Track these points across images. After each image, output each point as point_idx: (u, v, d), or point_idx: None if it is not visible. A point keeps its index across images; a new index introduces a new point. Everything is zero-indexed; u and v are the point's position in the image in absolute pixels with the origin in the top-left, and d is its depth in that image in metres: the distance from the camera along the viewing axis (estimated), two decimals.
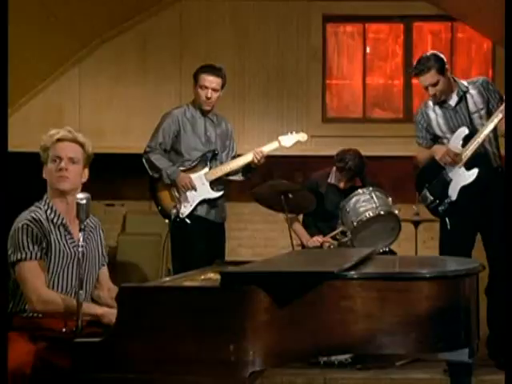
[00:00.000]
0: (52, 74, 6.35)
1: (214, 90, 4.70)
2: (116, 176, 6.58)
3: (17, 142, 6.02)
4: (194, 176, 4.71)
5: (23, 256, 2.77)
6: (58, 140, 2.88)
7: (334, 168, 5.03)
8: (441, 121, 4.48)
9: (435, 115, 4.49)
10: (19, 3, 4.98)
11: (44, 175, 2.93)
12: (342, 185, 5.00)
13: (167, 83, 6.44)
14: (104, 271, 3.10)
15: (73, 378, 2.35)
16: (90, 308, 2.79)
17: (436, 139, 4.54)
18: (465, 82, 4.49)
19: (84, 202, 2.58)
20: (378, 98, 6.76)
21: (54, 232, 2.85)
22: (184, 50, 6.49)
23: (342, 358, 4.49)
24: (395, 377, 4.38)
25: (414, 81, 6.61)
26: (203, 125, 4.81)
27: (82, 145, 2.92)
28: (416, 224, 5.13)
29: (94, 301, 3.01)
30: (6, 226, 2.67)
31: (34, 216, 2.83)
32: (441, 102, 4.46)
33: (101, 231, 3.11)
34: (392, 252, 4.93)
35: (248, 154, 4.77)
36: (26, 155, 5.39)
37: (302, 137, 4.95)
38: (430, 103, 4.52)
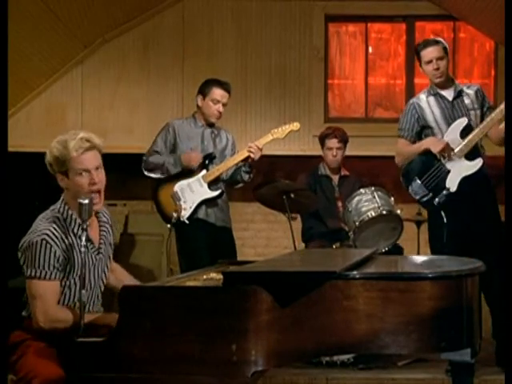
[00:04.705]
0: (55, 74, 6.36)
1: (224, 104, 4.77)
2: (118, 176, 6.57)
3: (20, 142, 6.03)
4: (192, 179, 4.71)
5: (37, 274, 2.65)
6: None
7: (321, 164, 5.31)
8: (436, 111, 4.48)
9: (429, 106, 4.51)
10: (22, 4, 5.00)
11: (64, 185, 2.81)
12: (331, 158, 5.22)
13: (169, 83, 6.45)
14: None
15: (74, 377, 2.36)
16: (103, 319, 2.74)
17: (421, 133, 4.54)
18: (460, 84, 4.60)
19: (86, 201, 2.58)
20: (381, 98, 6.75)
21: (75, 243, 2.75)
22: (186, 50, 6.50)
23: (344, 357, 4.49)
24: (397, 377, 4.37)
25: (417, 80, 6.63)
26: (200, 135, 4.80)
27: (98, 147, 2.83)
28: (418, 224, 5.12)
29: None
30: (6, 226, 2.63)
31: (54, 231, 2.71)
32: (436, 94, 4.50)
33: (111, 222, 3.04)
34: (399, 248, 4.93)
35: (243, 151, 4.74)
36: (28, 155, 5.39)
37: (295, 126, 4.87)
38: (423, 96, 4.55)
